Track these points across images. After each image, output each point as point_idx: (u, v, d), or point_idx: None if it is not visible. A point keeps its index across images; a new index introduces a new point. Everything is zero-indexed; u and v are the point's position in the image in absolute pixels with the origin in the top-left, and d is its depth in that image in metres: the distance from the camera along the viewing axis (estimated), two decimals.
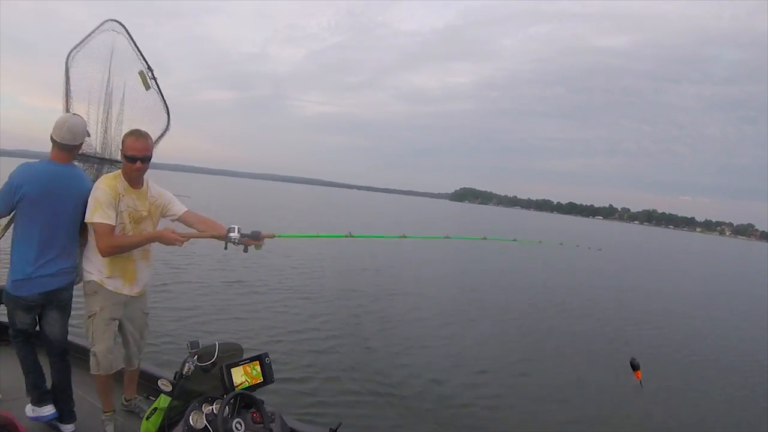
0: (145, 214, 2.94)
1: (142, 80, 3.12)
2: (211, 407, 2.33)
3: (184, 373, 2.44)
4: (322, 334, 8.34)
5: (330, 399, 5.85)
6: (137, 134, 2.80)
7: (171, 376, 2.73)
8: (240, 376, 2.57)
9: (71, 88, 3.12)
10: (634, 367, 5.08)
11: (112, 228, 2.77)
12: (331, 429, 2.74)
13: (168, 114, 3.29)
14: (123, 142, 2.81)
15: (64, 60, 3.09)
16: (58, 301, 2.89)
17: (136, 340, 3.15)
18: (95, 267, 2.89)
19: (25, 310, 2.86)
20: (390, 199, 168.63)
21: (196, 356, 2.52)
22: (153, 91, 3.19)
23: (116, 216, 2.79)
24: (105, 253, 2.77)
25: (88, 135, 3.02)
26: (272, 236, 2.91)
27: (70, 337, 3.09)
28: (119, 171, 2.89)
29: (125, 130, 3.05)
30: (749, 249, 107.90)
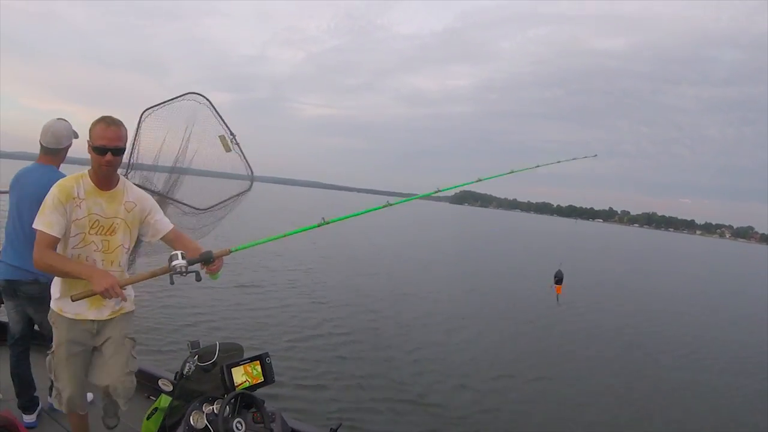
0: (117, 222, 2.33)
1: (223, 143, 3.18)
2: (211, 407, 2.33)
3: (184, 373, 2.45)
4: (323, 334, 8.36)
5: (330, 399, 5.85)
6: (108, 120, 2.25)
7: (171, 376, 2.74)
8: (240, 376, 2.57)
9: (140, 140, 3.16)
10: (558, 280, 4.15)
11: (52, 239, 2.19)
12: (331, 429, 2.74)
13: (251, 173, 3.30)
14: (91, 130, 2.25)
15: (139, 116, 3.14)
16: (25, 294, 2.88)
17: (113, 386, 2.41)
18: (55, 287, 2.38)
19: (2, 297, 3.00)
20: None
21: (196, 356, 2.52)
22: (233, 154, 3.24)
23: (66, 224, 2.23)
24: (37, 266, 2.20)
25: (76, 136, 3.07)
26: (228, 252, 2.37)
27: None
28: (84, 171, 2.32)
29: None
30: (750, 252, 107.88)
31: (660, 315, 14.13)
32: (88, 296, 2.15)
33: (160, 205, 2.76)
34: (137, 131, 3.12)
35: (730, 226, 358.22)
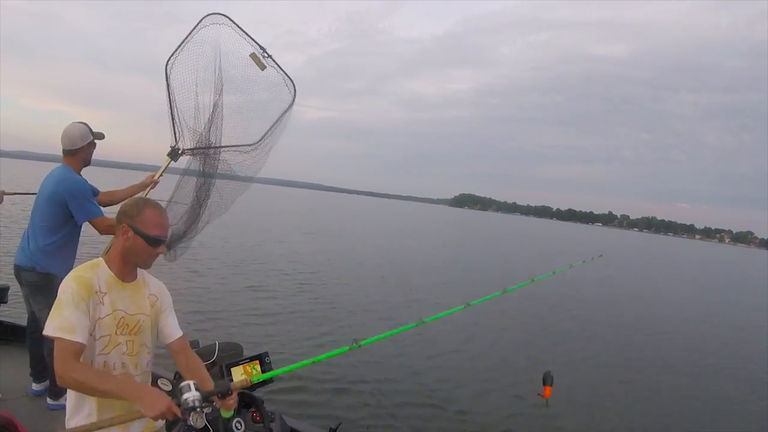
0: (142, 319, 1.91)
1: (256, 62, 3.03)
2: (211, 407, 2.33)
3: None
4: (323, 334, 8.34)
5: (330, 399, 5.83)
6: (159, 205, 1.92)
7: (171, 376, 2.74)
8: (240, 376, 2.57)
9: (174, 97, 3.06)
10: (549, 382, 4.08)
11: (76, 347, 1.69)
12: (331, 429, 2.75)
13: (293, 86, 3.13)
14: (136, 215, 1.84)
15: (164, 69, 3.00)
16: (25, 281, 3.17)
17: None
18: (78, 403, 1.82)
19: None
20: (390, 205, 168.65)
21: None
22: (270, 69, 3.07)
23: (90, 325, 1.75)
24: (60, 382, 1.67)
25: (100, 137, 3.27)
26: (248, 384, 2.01)
27: None
28: (99, 259, 1.89)
29: (241, 119, 3.02)
30: (750, 257, 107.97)
31: (669, 321, 14.11)
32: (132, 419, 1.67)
33: (212, 158, 2.85)
34: (168, 87, 3.04)
35: (730, 231, 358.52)
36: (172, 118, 3.14)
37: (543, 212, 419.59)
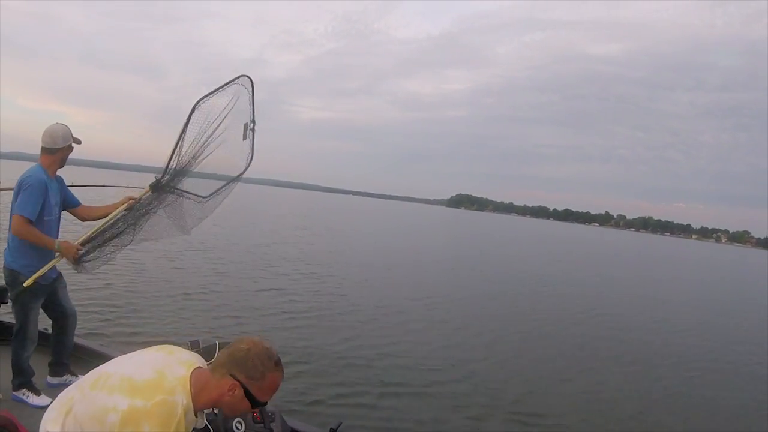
0: None
1: (244, 131, 3.22)
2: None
3: None
4: (323, 334, 8.33)
5: (330, 398, 5.82)
6: (282, 369, 1.60)
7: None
8: None
9: (188, 128, 3.20)
10: None
11: None
12: (331, 429, 2.74)
13: (251, 160, 3.32)
14: (259, 378, 1.53)
15: (193, 104, 3.20)
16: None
17: None
18: None
19: None
20: (387, 206, 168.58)
21: None
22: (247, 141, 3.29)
23: None
24: None
25: (77, 142, 3.33)
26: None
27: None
28: (188, 404, 1.47)
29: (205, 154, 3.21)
30: (747, 256, 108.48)
31: (674, 322, 14.16)
32: None
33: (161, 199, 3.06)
34: (187, 125, 3.17)
35: (726, 231, 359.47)
36: (172, 155, 3.23)
37: (540, 212, 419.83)
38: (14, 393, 3.31)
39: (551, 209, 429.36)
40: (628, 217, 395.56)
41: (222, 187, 3.36)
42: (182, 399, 1.46)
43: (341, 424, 2.78)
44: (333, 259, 17.63)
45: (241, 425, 2.29)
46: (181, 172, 3.27)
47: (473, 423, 5.86)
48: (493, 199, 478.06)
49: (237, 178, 3.36)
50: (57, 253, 3.18)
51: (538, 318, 12.02)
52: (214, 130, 3.20)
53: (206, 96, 3.20)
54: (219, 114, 3.19)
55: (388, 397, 6.10)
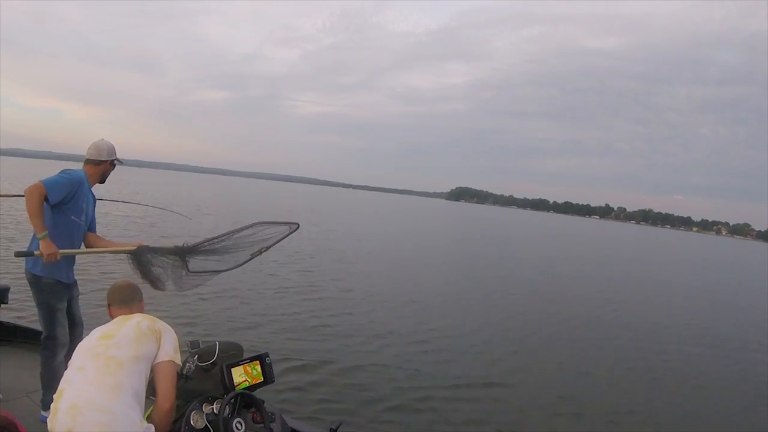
0: None
1: (254, 250, 3.38)
2: (211, 407, 2.32)
3: (184, 373, 2.44)
4: (324, 334, 8.31)
5: (330, 399, 5.82)
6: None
7: None
8: (240, 376, 2.57)
9: (238, 233, 3.35)
10: None
11: None
12: (331, 429, 2.74)
13: (229, 268, 3.41)
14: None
15: (254, 222, 3.42)
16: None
17: None
18: None
19: None
20: (388, 199, 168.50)
21: (196, 356, 2.52)
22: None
23: None
24: None
25: (120, 161, 3.47)
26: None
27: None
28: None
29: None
30: (748, 248, 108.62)
31: (682, 317, 14.19)
32: None
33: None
34: (243, 229, 3.34)
35: (727, 223, 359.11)
36: (212, 239, 3.32)
37: (540, 205, 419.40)
38: (43, 413, 3.11)
39: (551, 202, 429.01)
40: (628, 210, 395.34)
41: (206, 274, 3.41)
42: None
43: (341, 424, 2.79)
44: (337, 255, 17.65)
45: (241, 425, 2.30)
46: (201, 251, 3.34)
47: (474, 423, 5.87)
48: (494, 192, 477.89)
49: (217, 272, 3.42)
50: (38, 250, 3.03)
51: (552, 322, 12.03)
52: (247, 243, 3.34)
53: (266, 223, 3.38)
54: (260, 235, 3.35)
55: (389, 398, 6.09)
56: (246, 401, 2.43)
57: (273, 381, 2.74)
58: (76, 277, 3.37)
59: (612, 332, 11.00)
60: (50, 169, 3.71)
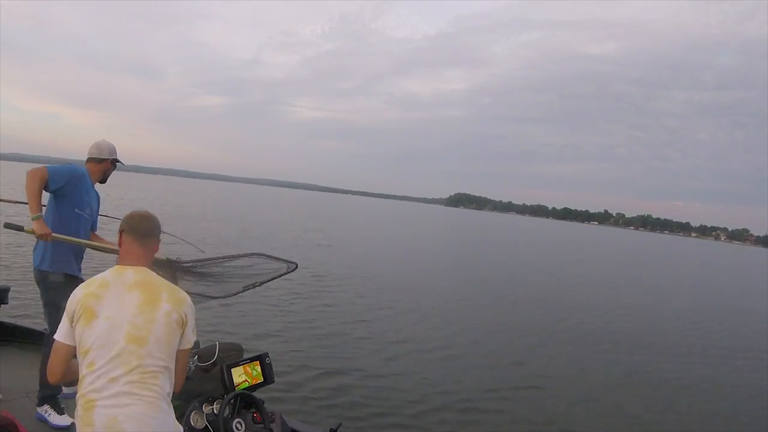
0: None
1: (248, 284, 3.41)
2: (211, 407, 2.32)
3: None
4: (323, 335, 8.32)
5: (330, 399, 5.82)
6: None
7: None
8: (240, 376, 2.58)
9: (236, 259, 3.38)
10: None
11: None
12: (331, 429, 2.74)
13: (216, 297, 3.44)
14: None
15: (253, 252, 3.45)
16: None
17: None
18: None
19: None
20: (388, 205, 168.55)
21: (196, 356, 2.52)
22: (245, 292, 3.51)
23: None
24: None
25: (120, 162, 3.49)
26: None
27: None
28: None
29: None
30: (747, 254, 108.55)
31: (681, 321, 14.17)
32: None
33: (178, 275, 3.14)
34: (240, 257, 3.37)
35: (725, 229, 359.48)
36: (205, 260, 3.33)
37: (538, 211, 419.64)
38: (38, 410, 3.12)
39: (550, 208, 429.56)
40: (627, 216, 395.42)
41: (192, 296, 3.43)
42: None
43: (341, 424, 2.79)
44: (339, 260, 17.64)
45: (241, 425, 2.30)
46: (193, 272, 3.34)
47: (473, 423, 5.87)
48: (492, 198, 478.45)
49: (204, 297, 3.41)
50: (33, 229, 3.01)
51: (557, 327, 12.02)
52: (241, 274, 3.37)
53: (265, 256, 3.42)
54: (256, 268, 3.38)
55: (389, 398, 6.09)
56: (246, 401, 2.43)
57: (273, 381, 2.75)
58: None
59: (624, 339, 10.86)
60: None
